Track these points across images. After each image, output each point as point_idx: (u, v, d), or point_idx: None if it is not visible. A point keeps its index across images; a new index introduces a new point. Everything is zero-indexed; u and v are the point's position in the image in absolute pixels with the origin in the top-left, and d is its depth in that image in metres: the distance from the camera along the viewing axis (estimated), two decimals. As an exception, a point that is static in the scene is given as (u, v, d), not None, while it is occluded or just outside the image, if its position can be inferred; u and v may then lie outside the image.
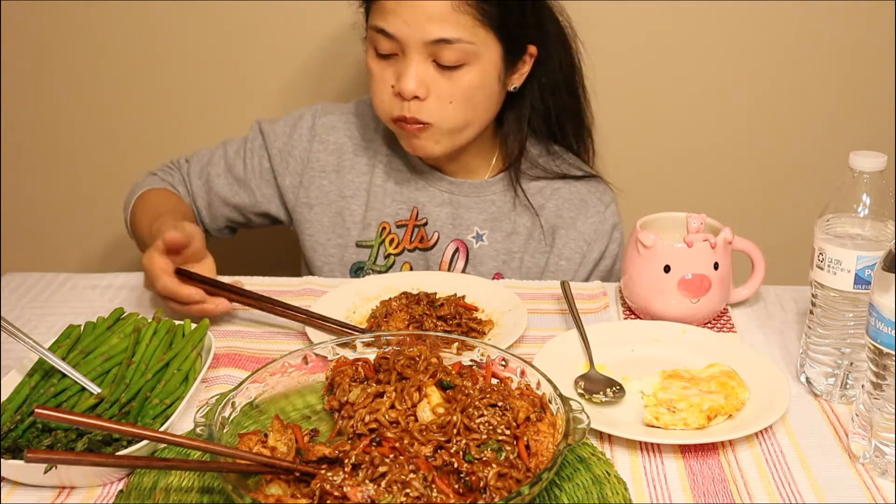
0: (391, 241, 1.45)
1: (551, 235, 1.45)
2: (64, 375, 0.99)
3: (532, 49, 1.37)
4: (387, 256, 1.46)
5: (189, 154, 1.53)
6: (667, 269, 1.18)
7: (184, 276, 1.18)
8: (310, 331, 1.16)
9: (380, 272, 1.45)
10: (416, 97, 1.30)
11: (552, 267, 1.45)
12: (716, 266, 1.18)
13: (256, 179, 1.48)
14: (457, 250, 1.45)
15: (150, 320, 1.10)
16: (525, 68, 1.38)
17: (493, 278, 1.44)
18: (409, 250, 1.46)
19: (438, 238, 1.46)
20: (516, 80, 1.38)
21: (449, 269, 1.46)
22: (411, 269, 1.46)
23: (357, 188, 1.47)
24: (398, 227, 1.46)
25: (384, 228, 1.46)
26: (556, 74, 1.43)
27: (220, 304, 1.18)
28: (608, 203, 1.47)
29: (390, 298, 1.22)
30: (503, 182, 1.46)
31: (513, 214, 1.46)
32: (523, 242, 1.46)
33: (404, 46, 1.28)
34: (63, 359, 1.02)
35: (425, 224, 1.46)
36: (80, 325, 1.09)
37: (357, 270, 1.47)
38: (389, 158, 1.47)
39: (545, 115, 1.46)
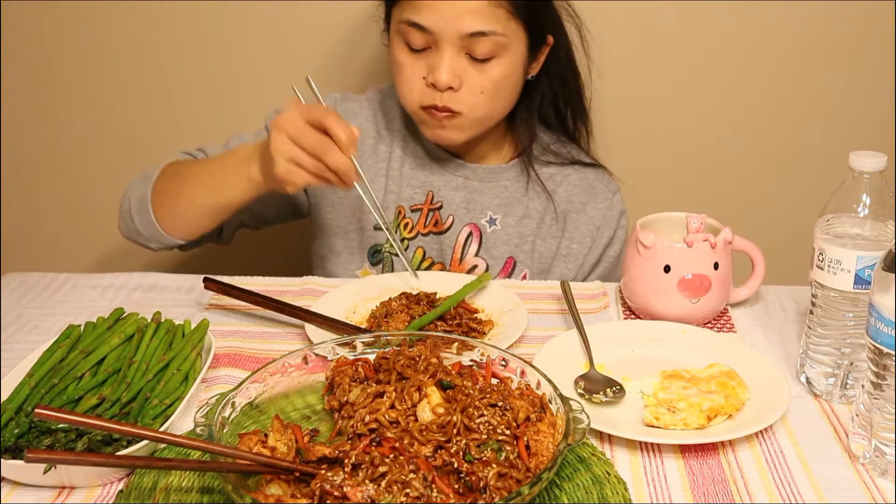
0: (406, 226, 1.47)
1: (563, 220, 1.48)
2: (63, 376, 0.99)
3: (549, 39, 1.41)
4: (402, 240, 1.47)
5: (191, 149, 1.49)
6: (667, 269, 1.18)
7: (212, 282, 1.21)
8: (310, 331, 1.16)
9: (395, 255, 1.47)
10: (450, 88, 1.32)
11: (563, 251, 1.48)
12: (716, 266, 1.18)
13: None
14: (470, 234, 1.47)
15: (149, 320, 1.10)
16: (542, 57, 1.42)
17: (506, 262, 1.47)
18: (424, 234, 1.48)
19: (453, 222, 1.48)
20: (534, 70, 1.42)
21: (462, 253, 1.48)
22: (424, 253, 1.48)
23: (376, 173, 1.48)
24: (413, 211, 1.48)
25: (399, 212, 1.47)
26: (563, 61, 1.47)
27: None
28: (614, 191, 1.52)
29: (390, 298, 1.22)
30: (517, 168, 1.50)
31: (525, 199, 1.49)
32: (535, 226, 1.48)
33: (438, 39, 1.30)
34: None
35: (440, 207, 1.48)
36: (80, 325, 1.09)
37: (374, 253, 1.48)
38: (406, 144, 1.49)
39: (554, 102, 1.50)
